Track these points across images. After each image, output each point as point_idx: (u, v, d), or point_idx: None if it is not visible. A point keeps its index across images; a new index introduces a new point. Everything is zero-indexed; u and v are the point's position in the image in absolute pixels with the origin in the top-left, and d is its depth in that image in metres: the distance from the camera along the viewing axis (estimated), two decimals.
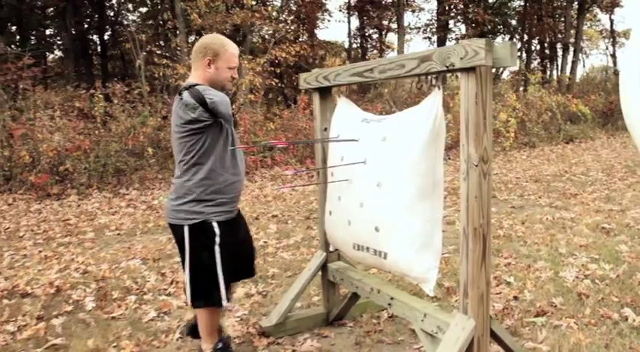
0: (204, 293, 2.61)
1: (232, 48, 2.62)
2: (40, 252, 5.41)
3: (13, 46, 15.90)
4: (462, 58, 1.95)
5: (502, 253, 4.50)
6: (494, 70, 2.06)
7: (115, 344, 3.15)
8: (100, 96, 9.69)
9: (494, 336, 2.27)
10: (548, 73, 24.05)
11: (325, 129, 2.99)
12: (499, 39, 24.01)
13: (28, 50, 10.93)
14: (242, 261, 2.80)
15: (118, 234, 6.14)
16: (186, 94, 2.45)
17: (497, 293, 3.60)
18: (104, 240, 5.84)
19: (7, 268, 4.89)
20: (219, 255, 2.56)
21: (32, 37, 18.83)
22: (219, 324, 2.89)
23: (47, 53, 20.70)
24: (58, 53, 21.07)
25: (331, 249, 3.08)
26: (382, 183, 2.33)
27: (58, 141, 8.47)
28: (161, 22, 13.85)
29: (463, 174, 2.06)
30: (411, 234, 2.26)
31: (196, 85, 2.51)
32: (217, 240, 2.56)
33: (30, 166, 8.74)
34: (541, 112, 14.41)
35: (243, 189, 2.68)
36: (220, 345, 2.74)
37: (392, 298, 2.61)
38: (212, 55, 2.56)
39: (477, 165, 2.01)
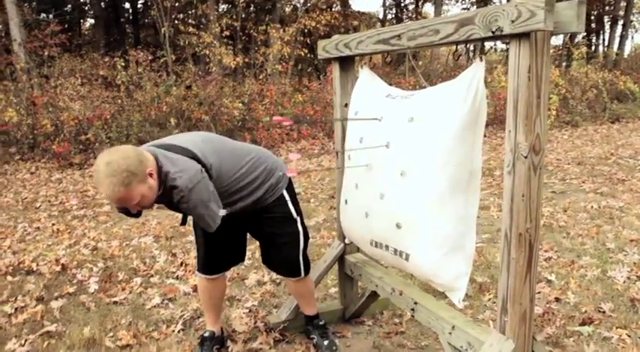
0: None
1: (101, 191, 1.99)
2: (54, 224, 5.25)
3: (44, 14, 15.82)
4: (513, 21, 1.54)
5: (542, 245, 4.08)
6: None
7: (112, 333, 2.91)
8: (122, 64, 9.42)
9: None
10: (594, 48, 22.74)
11: (346, 105, 2.61)
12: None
13: (54, 16, 10.73)
14: (216, 247, 2.55)
15: None
16: None
17: (536, 293, 3.19)
18: (120, 214, 5.62)
19: (17, 241, 4.74)
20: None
21: (68, 5, 18.69)
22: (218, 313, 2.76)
23: (82, 21, 20.61)
24: (91, 21, 20.91)
25: (347, 241, 2.73)
26: (407, 171, 1.94)
27: (79, 109, 8.28)
28: None
29: (508, 166, 1.67)
30: (439, 235, 1.88)
31: None
32: None
33: (53, 135, 8.63)
34: (586, 89, 13.56)
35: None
36: (204, 334, 2.72)
37: (416, 303, 2.27)
38: None
39: (526, 157, 1.61)
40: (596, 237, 4.21)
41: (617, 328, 2.74)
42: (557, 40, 22.57)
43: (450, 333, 2.04)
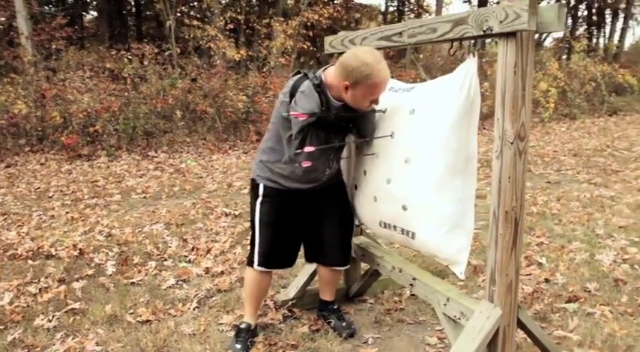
0: (249, 249, 2.70)
1: (380, 78, 2.16)
2: (67, 213, 5.45)
3: (47, 7, 15.96)
4: (501, 22, 1.74)
5: (535, 231, 4.29)
6: (536, 36, 1.85)
7: (131, 310, 3.12)
8: (130, 57, 9.61)
9: (522, 326, 2.11)
10: (595, 40, 22.86)
11: None
12: (544, 3, 22.80)
13: (61, 10, 10.89)
14: (281, 242, 2.64)
15: (144, 197, 6.15)
16: (298, 79, 2.34)
17: (527, 275, 3.42)
18: (130, 203, 5.86)
19: (34, 228, 4.95)
20: (258, 214, 2.58)
21: None
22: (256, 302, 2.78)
23: (84, 14, 20.77)
24: (94, 13, 21.04)
25: (356, 222, 2.94)
26: (410, 159, 2.16)
27: (88, 102, 8.48)
28: None
29: (496, 151, 1.87)
30: (441, 214, 2.11)
31: (318, 84, 2.28)
32: (259, 199, 2.58)
33: (61, 127, 8.82)
34: (584, 82, 13.75)
35: (311, 182, 2.53)
36: (240, 326, 2.75)
37: (414, 278, 2.48)
38: (352, 82, 2.18)
39: (512, 143, 1.81)
40: (587, 224, 4.42)
41: (600, 305, 2.96)
42: (558, 34, 22.69)
43: (445, 305, 2.25)
